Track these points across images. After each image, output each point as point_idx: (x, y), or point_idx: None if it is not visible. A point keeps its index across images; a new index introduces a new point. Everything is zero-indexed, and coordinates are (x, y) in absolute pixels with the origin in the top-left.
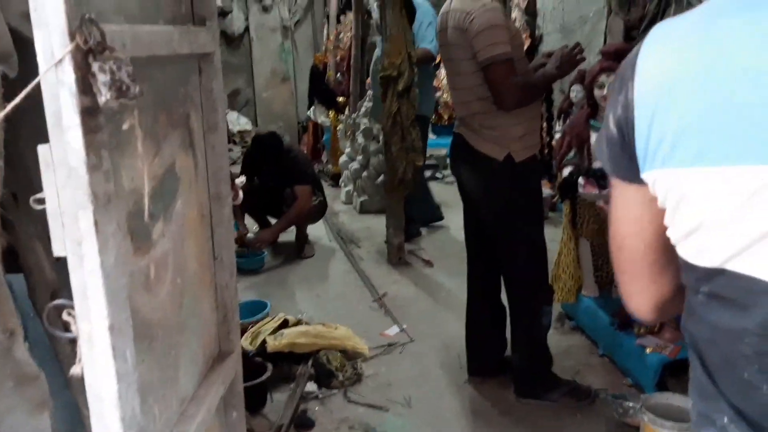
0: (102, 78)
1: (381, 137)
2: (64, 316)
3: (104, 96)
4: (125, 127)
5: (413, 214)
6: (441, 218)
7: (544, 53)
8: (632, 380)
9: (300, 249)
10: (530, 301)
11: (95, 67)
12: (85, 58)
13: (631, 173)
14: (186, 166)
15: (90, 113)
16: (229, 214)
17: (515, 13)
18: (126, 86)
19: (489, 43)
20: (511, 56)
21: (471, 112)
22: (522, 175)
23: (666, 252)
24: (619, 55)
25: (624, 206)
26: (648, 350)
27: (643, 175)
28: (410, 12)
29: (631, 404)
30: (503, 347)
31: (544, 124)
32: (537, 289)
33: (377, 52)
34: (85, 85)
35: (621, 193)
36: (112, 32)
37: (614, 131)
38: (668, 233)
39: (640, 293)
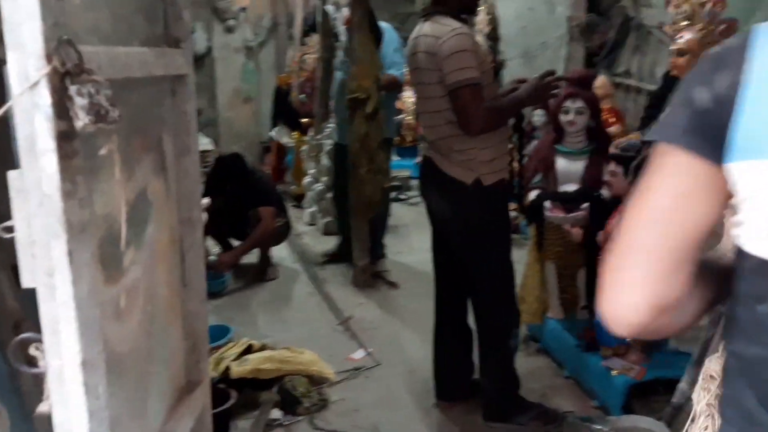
0: (79, 102)
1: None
2: (31, 351)
3: (82, 120)
4: (103, 152)
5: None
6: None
7: (516, 80)
8: (598, 402)
9: (263, 271)
10: (499, 323)
11: (72, 90)
12: (61, 81)
13: (708, 151)
14: (158, 191)
15: (66, 138)
16: (201, 238)
17: (478, 38)
18: (104, 110)
19: (457, 67)
20: (478, 81)
21: (440, 136)
22: (491, 198)
23: (693, 248)
24: (582, 82)
25: (676, 176)
26: (614, 372)
27: (733, 163)
28: (377, 35)
29: (599, 427)
30: (471, 371)
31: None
32: (506, 312)
33: (339, 74)
34: (62, 109)
35: (680, 163)
36: (88, 54)
37: (710, 105)
38: (740, 230)
39: (641, 286)
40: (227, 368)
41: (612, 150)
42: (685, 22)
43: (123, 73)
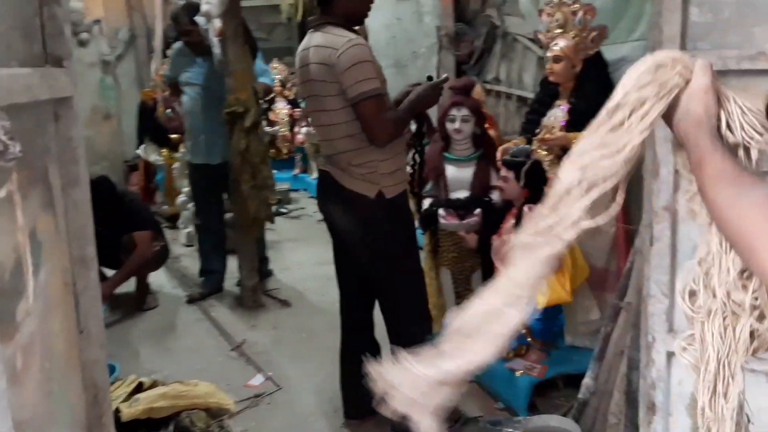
0: None
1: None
2: None
3: None
4: (2, 195)
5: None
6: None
7: (409, 84)
8: (503, 404)
9: (141, 300)
10: (413, 332)
11: None
12: None
13: None
14: (47, 228)
15: None
16: (96, 278)
17: None
18: (3, 145)
19: (359, 79)
20: (381, 91)
21: (338, 150)
22: (395, 210)
23: None
24: (466, 90)
25: None
26: (518, 373)
27: None
28: (252, 46)
29: (510, 430)
30: None
31: (416, 157)
32: (419, 320)
33: (190, 91)
34: None
35: None
36: None
37: None
38: None
39: None
40: (117, 411)
41: (501, 155)
42: (558, 30)
43: (6, 100)
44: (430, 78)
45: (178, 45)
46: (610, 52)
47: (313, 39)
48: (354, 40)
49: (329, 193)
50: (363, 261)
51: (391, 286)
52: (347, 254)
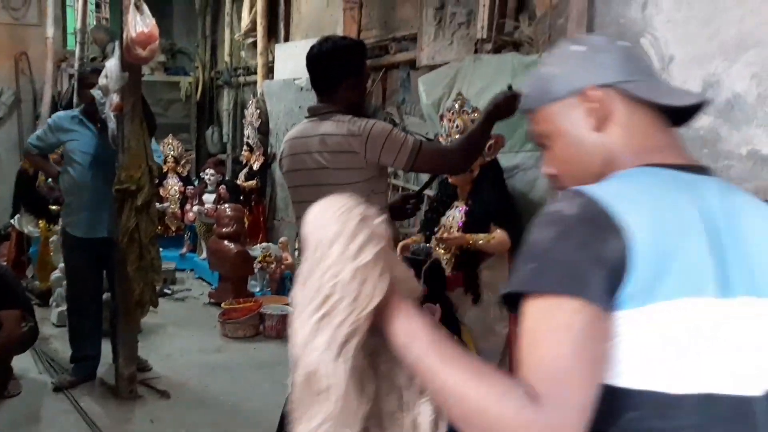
0: None
1: None
2: None
3: None
4: None
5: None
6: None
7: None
8: None
9: (2, 386)
10: None
11: None
12: None
13: (608, 298)
14: None
15: None
16: None
17: (247, 131)
18: None
19: (399, 144)
20: (421, 140)
21: None
22: None
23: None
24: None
25: (589, 332)
26: None
27: (646, 307)
28: (151, 124)
29: None
30: None
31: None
32: None
33: (71, 170)
34: None
35: (587, 318)
36: None
37: (612, 261)
38: (637, 367)
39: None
40: None
41: (402, 253)
42: (458, 136)
43: None
44: (510, 87)
45: (67, 112)
46: (505, 159)
47: (321, 127)
48: (370, 120)
49: None
50: None
51: None
52: None
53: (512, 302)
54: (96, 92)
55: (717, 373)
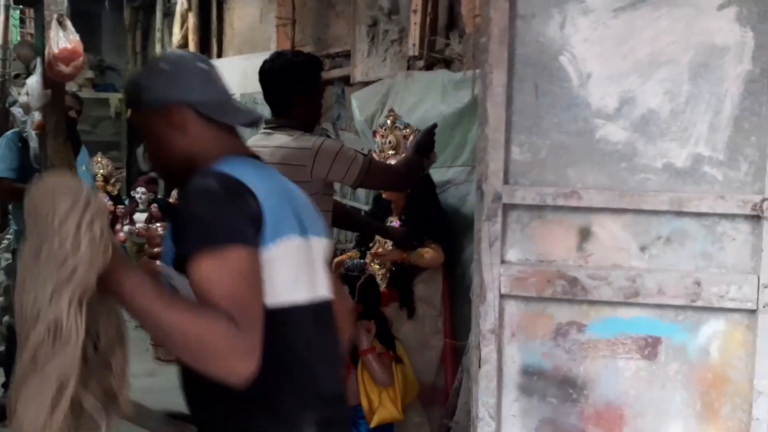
0: None
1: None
2: None
3: None
4: None
5: None
6: None
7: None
8: None
9: None
10: None
11: None
12: None
13: (257, 242)
14: None
15: None
16: None
17: None
18: None
19: (350, 160)
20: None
21: None
22: None
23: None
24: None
25: (252, 269)
26: None
27: (275, 242)
28: (75, 143)
29: None
30: None
31: None
32: None
33: None
34: None
35: (249, 258)
36: None
37: (254, 215)
38: (282, 285)
39: (256, 348)
40: None
41: (336, 269)
42: (391, 152)
43: None
44: (435, 126)
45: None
46: (437, 174)
47: (272, 140)
48: (321, 137)
49: None
50: None
51: None
52: None
53: (181, 265)
54: (16, 110)
55: (319, 283)
